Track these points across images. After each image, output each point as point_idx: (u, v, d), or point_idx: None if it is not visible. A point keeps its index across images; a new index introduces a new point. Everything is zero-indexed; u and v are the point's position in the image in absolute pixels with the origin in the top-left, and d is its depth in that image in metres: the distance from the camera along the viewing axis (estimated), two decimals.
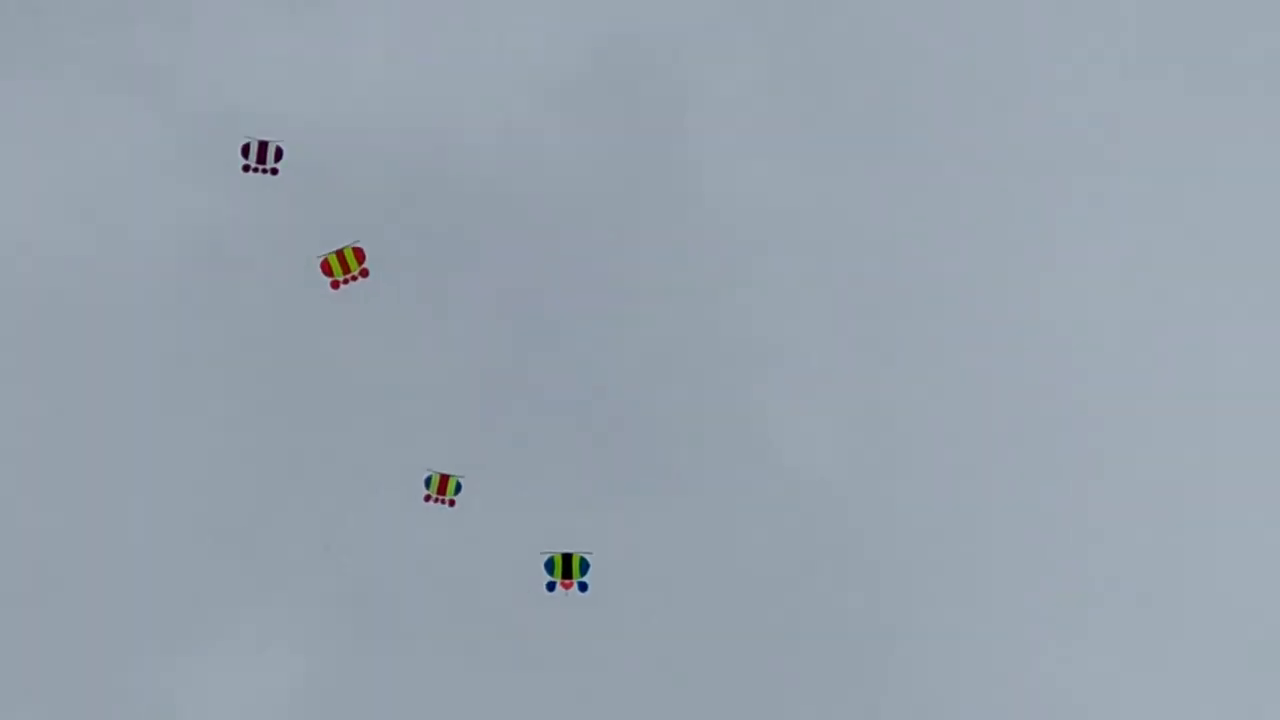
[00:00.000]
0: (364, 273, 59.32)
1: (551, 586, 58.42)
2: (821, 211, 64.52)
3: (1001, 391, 63.36)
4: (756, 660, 62.97)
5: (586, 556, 58.04)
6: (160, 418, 64.18)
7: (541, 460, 63.81)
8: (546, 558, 58.32)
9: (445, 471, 60.62)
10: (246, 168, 60.44)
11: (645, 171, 65.56)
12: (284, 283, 63.64)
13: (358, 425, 64.03)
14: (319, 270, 59.36)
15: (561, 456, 63.82)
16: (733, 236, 64.90)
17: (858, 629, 62.60)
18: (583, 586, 58.19)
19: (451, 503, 60.62)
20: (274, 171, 60.48)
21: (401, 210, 65.41)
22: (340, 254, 58.89)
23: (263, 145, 60.23)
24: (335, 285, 59.43)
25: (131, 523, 63.20)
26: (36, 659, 62.17)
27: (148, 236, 65.76)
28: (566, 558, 58.09)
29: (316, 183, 64.60)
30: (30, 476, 63.34)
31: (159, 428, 64.08)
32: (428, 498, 60.64)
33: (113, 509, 63.14)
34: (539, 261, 65.37)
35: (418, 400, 64.25)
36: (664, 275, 64.92)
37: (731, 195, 65.08)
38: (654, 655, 62.34)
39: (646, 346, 64.59)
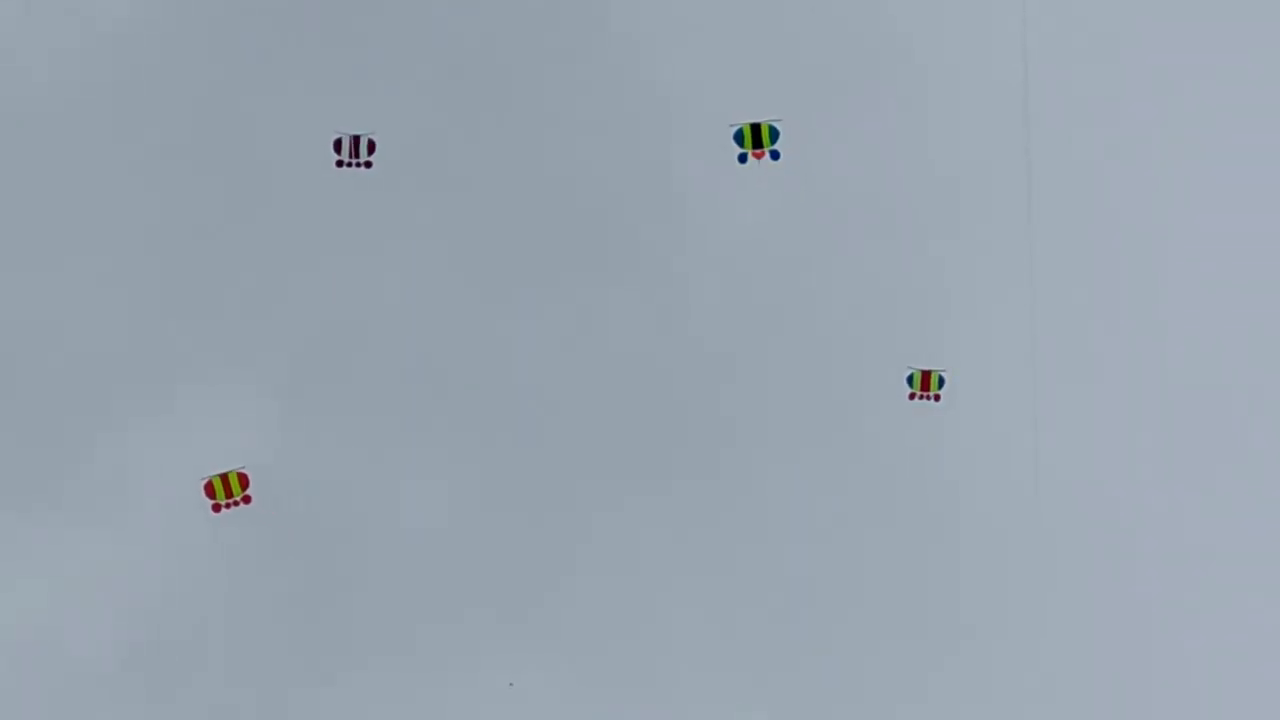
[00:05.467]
0: (246, 499, 55.78)
1: (744, 159, 55.55)
2: None
3: None
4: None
5: (775, 125, 55.40)
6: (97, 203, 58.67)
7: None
8: (735, 129, 55.17)
9: None
10: (340, 163, 57.03)
11: None
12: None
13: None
14: (202, 491, 55.49)
15: None
16: None
17: None
18: (774, 155, 55.59)
19: None
20: (368, 165, 57.13)
21: None
22: (225, 477, 55.14)
23: (355, 140, 56.91)
24: (217, 509, 55.37)
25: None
26: None
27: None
28: (755, 127, 55.24)
29: None
30: None
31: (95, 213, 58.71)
32: None
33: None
34: None
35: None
36: None
37: None
38: None
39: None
